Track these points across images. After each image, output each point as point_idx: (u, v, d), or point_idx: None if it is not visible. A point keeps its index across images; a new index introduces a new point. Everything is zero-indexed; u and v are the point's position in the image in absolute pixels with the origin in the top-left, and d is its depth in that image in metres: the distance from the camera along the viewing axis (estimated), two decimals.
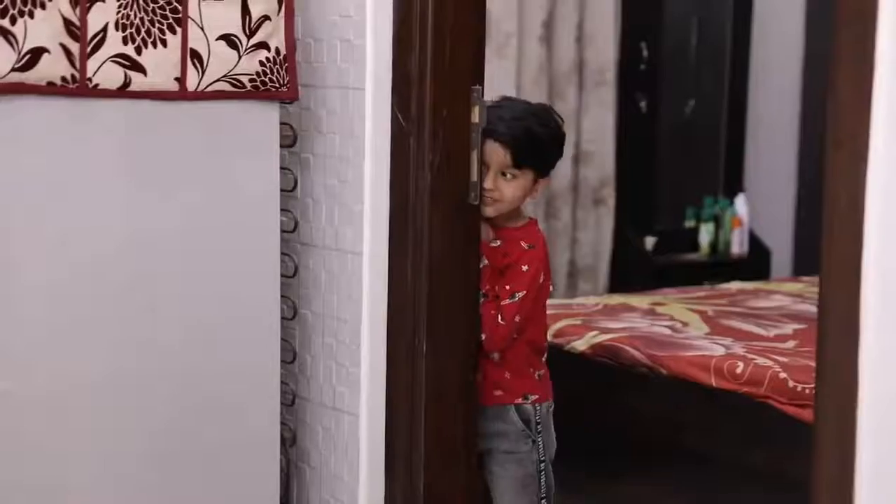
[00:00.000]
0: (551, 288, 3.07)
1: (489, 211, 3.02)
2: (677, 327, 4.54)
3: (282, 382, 3.15)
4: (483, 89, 3.07)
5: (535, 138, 2.99)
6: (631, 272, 6.62)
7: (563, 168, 6.33)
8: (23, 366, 2.75)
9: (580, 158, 6.59)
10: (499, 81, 5.67)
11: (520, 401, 3.07)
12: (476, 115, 3.04)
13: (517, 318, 2.96)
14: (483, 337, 3.00)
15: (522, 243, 3.02)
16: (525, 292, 2.96)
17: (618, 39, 6.62)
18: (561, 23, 6.42)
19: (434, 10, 3.00)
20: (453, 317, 3.05)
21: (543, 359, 3.11)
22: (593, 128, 6.58)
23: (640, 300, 5.11)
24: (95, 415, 2.86)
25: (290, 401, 3.29)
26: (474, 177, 3.02)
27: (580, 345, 4.33)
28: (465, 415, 3.09)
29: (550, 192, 6.45)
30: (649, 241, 6.76)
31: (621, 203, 6.70)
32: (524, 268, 2.97)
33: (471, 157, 3.03)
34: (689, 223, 7.05)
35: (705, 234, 6.96)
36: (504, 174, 2.99)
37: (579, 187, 6.61)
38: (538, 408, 3.07)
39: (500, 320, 2.97)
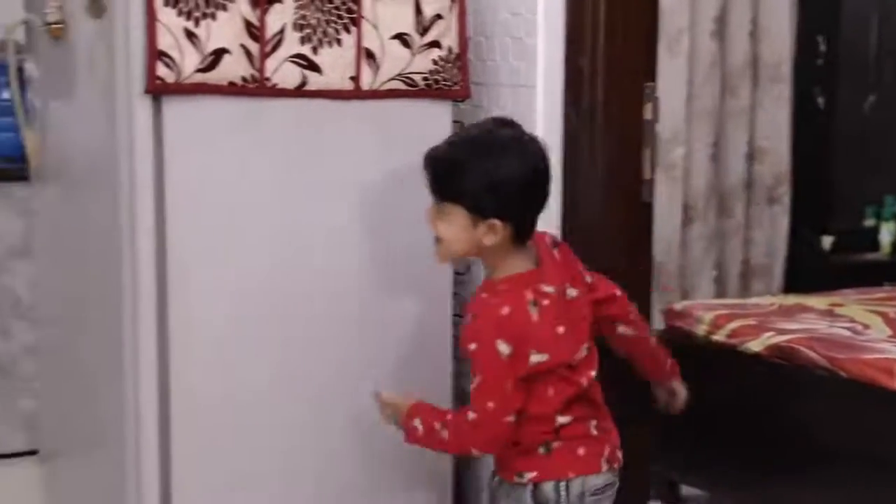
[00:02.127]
0: (543, 357, 2.33)
1: (437, 256, 2.51)
2: (858, 329, 4.40)
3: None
4: (655, 86, 3.03)
5: (442, 168, 2.41)
6: (806, 272, 6.44)
7: (736, 165, 6.20)
8: (205, 364, 2.83)
9: (754, 156, 6.45)
10: (670, 78, 5.58)
11: (515, 479, 2.47)
12: (648, 112, 3.00)
13: (490, 405, 2.32)
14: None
15: (469, 314, 2.40)
16: (481, 376, 2.32)
17: (793, 33, 6.45)
18: (734, 17, 6.29)
19: (606, 6, 2.98)
20: None
21: (557, 427, 2.45)
22: (768, 124, 6.43)
23: (817, 301, 4.96)
24: (276, 411, 2.91)
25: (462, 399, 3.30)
26: (647, 174, 2.99)
27: (755, 346, 4.23)
28: (635, 412, 3.06)
29: (723, 189, 6.33)
30: (826, 241, 6.58)
31: (797, 201, 6.53)
32: (471, 347, 2.34)
33: (643, 154, 3.00)
34: (869, 222, 6.84)
35: (886, 234, 6.74)
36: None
37: (753, 185, 6.47)
38: (562, 487, 2.42)
39: (469, 416, 2.35)
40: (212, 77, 2.74)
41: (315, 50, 2.85)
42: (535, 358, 2.27)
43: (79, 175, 3.13)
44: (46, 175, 3.39)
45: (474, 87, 3.13)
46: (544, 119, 3.03)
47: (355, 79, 2.90)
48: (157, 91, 2.72)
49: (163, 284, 2.77)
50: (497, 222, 2.28)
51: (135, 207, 2.75)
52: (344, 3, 2.87)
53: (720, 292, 5.67)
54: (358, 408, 2.94)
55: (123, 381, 2.78)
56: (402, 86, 2.96)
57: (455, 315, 3.21)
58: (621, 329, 2.60)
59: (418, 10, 2.94)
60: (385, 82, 2.93)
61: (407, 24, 2.94)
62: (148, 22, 2.68)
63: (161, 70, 2.70)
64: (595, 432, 2.46)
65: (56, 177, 3.31)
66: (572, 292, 2.37)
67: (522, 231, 2.32)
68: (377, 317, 2.99)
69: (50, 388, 3.58)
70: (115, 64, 2.74)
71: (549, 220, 3.04)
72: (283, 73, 2.83)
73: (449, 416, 2.40)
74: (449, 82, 3.00)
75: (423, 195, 2.93)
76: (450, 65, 2.99)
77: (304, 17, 2.83)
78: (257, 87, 2.80)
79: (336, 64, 2.87)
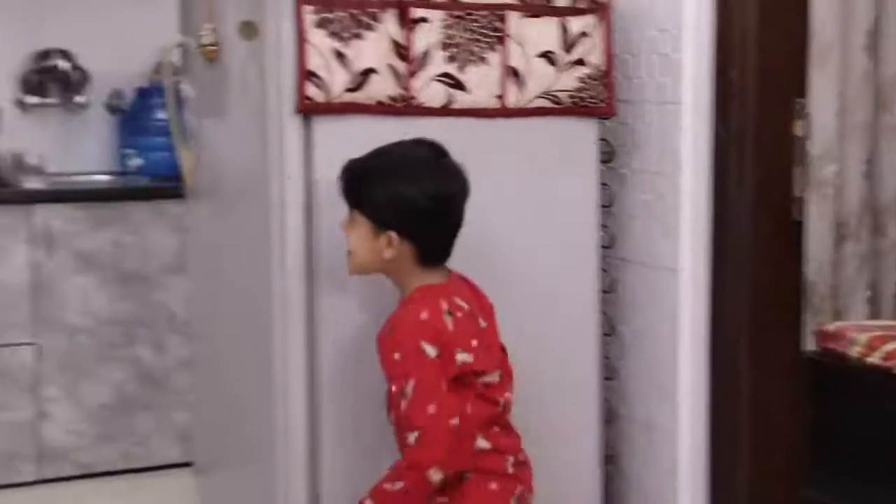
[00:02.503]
0: (468, 357, 2.24)
1: (348, 267, 2.43)
2: None
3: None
4: (806, 102, 2.97)
5: (353, 176, 2.38)
6: None
7: (890, 182, 6.02)
8: (355, 379, 2.86)
9: None
10: (821, 93, 5.45)
11: None
12: (799, 129, 2.95)
13: (431, 409, 2.20)
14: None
15: (387, 326, 2.33)
16: (414, 381, 2.21)
17: None
18: (887, 30, 6.12)
19: (756, 21, 2.93)
20: (776, 335, 2.96)
21: (477, 451, 2.34)
22: None
23: None
24: None
25: (609, 418, 3.28)
26: (797, 192, 2.93)
27: None
28: (787, 435, 2.99)
29: (877, 207, 6.16)
30: None
31: None
32: (395, 356, 2.25)
33: (793, 172, 2.94)
34: None
35: None
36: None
37: None
38: None
39: (409, 440, 2.23)
40: (360, 96, 2.78)
41: (461, 69, 2.87)
42: (461, 357, 2.19)
43: (231, 193, 3.20)
44: (200, 193, 3.48)
45: (620, 103, 3.11)
46: (692, 135, 3.00)
47: (501, 97, 2.91)
48: (307, 111, 2.77)
49: (312, 301, 2.81)
50: (394, 236, 2.24)
51: (285, 224, 2.80)
52: (490, 22, 2.88)
53: (874, 313, 5.52)
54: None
55: (273, 395, 2.83)
56: (547, 104, 2.96)
57: (605, 335, 3.19)
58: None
59: (564, 28, 2.94)
60: (530, 100, 2.94)
61: (552, 42, 2.94)
62: (298, 43, 2.73)
63: (311, 90, 2.75)
64: (511, 469, 2.36)
65: (209, 194, 3.40)
66: (482, 322, 2.32)
67: (427, 253, 2.26)
68: (522, 334, 2.99)
69: (203, 401, 3.67)
70: (267, 84, 2.80)
71: (697, 238, 3.01)
72: (429, 91, 2.85)
73: (388, 471, 2.27)
74: (595, 100, 2.99)
75: (566, 212, 2.93)
76: (595, 82, 2.98)
77: (450, 36, 2.85)
78: (404, 106, 2.84)
79: (482, 82, 2.89)
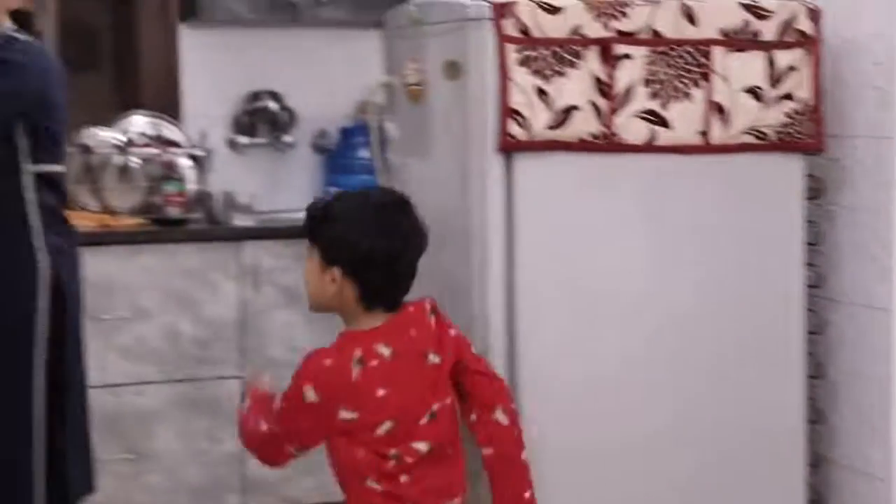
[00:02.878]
0: (352, 416, 2.18)
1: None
2: None
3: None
4: None
5: (314, 210, 2.37)
6: None
7: None
8: (557, 415, 2.85)
9: None
10: None
11: None
12: None
13: (278, 429, 2.26)
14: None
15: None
16: (282, 404, 2.26)
17: None
18: None
19: None
20: None
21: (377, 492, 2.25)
22: None
23: None
24: (637, 457, 2.92)
25: (814, 462, 3.17)
26: None
27: None
28: None
29: None
30: None
31: None
32: (285, 384, 2.30)
33: None
34: None
35: None
36: None
37: None
38: None
39: (263, 427, 2.30)
40: (562, 134, 2.79)
41: (664, 105, 2.84)
42: (345, 415, 2.15)
43: (432, 229, 3.23)
44: None
45: (829, 139, 3.02)
46: None
47: (705, 133, 2.87)
48: (509, 148, 2.79)
49: (513, 337, 2.82)
50: (338, 273, 2.22)
51: (486, 260, 2.82)
52: (694, 58, 2.85)
53: None
54: (702, 465, 2.88)
55: None
56: (752, 140, 2.90)
57: (811, 377, 3.09)
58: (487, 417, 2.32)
59: (770, 63, 2.88)
60: (735, 136, 2.89)
61: (758, 77, 2.88)
62: (501, 81, 2.75)
63: (513, 128, 2.77)
64: None
65: None
66: (434, 358, 2.23)
67: (367, 296, 2.22)
68: (724, 370, 2.93)
69: None
70: (470, 123, 2.83)
71: None
72: (631, 128, 2.83)
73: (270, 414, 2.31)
74: (802, 135, 2.92)
75: (770, 250, 2.85)
76: (803, 117, 2.91)
77: (653, 72, 2.83)
78: (606, 144, 2.82)
79: (685, 118, 2.85)
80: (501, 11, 2.78)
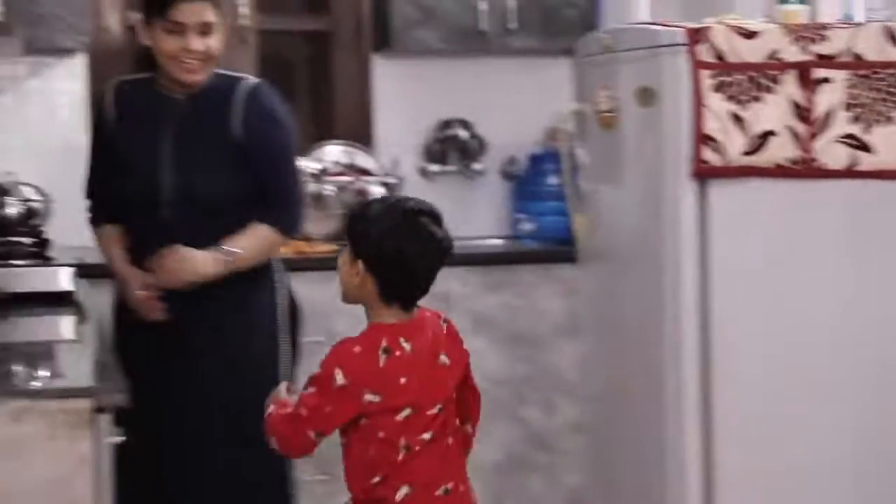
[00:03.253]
0: (376, 398, 2.31)
1: None
2: None
3: None
4: None
5: (353, 210, 2.49)
6: None
7: None
8: (749, 445, 2.80)
9: None
10: None
11: None
12: None
13: (304, 412, 2.34)
14: None
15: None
16: (312, 389, 2.34)
17: None
18: None
19: None
20: None
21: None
22: None
23: None
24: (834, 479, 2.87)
25: None
26: None
27: None
28: None
29: None
30: None
31: None
32: (316, 371, 2.36)
33: None
34: None
35: None
36: None
37: None
38: None
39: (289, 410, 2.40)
40: (757, 160, 2.75)
41: (866, 129, 2.78)
42: (369, 397, 2.31)
43: (624, 256, 3.22)
44: (593, 257, 3.52)
45: None
46: None
47: None
48: (703, 174, 2.77)
49: (706, 365, 2.78)
50: (360, 265, 2.35)
51: (679, 287, 2.80)
52: None
53: None
54: None
55: (665, 460, 2.81)
56: None
57: None
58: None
59: None
60: None
61: None
62: (695, 107, 2.73)
63: (707, 154, 2.74)
64: (400, 498, 2.35)
65: (602, 258, 3.44)
66: (445, 360, 2.40)
67: (386, 292, 2.36)
68: None
69: (596, 464, 3.68)
70: (663, 149, 2.82)
71: None
72: (830, 153, 2.78)
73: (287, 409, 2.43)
74: None
75: None
76: None
77: (854, 96, 2.77)
78: (804, 169, 2.77)
79: (889, 143, 2.78)
80: (696, 37, 2.77)
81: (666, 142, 2.82)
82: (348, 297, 2.43)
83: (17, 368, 2.32)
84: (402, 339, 2.34)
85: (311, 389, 2.35)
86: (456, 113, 4.51)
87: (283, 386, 2.52)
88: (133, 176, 2.73)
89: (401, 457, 2.33)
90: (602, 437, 3.47)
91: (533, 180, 4.43)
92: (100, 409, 2.01)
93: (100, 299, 2.98)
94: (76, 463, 1.98)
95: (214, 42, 2.70)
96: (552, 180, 4.32)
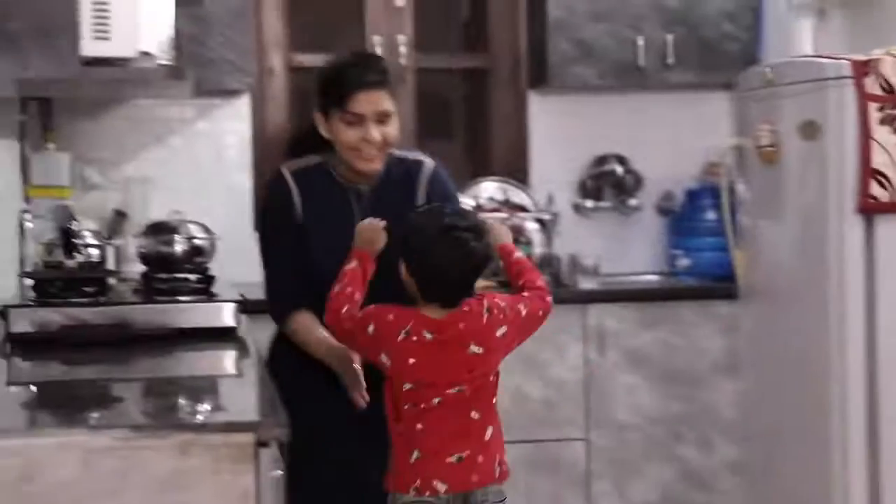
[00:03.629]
0: (387, 362, 2.55)
1: None
2: None
3: None
4: None
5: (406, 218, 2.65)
6: None
7: None
8: None
9: None
10: None
11: None
12: None
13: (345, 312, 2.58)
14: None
15: None
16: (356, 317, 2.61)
17: None
18: None
19: None
20: None
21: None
22: None
23: None
24: None
25: None
26: None
27: None
28: None
29: None
30: None
31: None
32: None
33: None
34: None
35: None
36: None
37: None
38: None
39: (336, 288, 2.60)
40: None
41: None
42: (383, 359, 2.53)
43: (786, 292, 3.16)
44: (753, 293, 3.46)
45: None
46: None
47: None
48: (870, 210, 2.70)
49: (873, 404, 2.71)
50: (403, 265, 2.55)
51: (844, 325, 2.74)
52: None
53: None
54: None
55: (831, 502, 2.73)
56: None
57: None
58: None
59: None
60: None
61: None
62: (862, 141, 2.67)
63: (875, 189, 2.68)
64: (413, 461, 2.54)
65: (762, 294, 3.37)
66: (476, 349, 2.54)
67: (426, 295, 2.53)
68: None
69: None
70: (828, 184, 2.76)
71: None
72: None
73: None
74: None
75: None
76: None
77: None
78: None
79: None
80: (863, 69, 2.71)
81: (830, 176, 2.76)
82: (407, 293, 2.61)
83: (182, 402, 2.38)
84: (425, 331, 2.53)
85: (355, 319, 2.57)
86: (611, 148, 4.49)
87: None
88: (322, 268, 2.66)
89: (406, 408, 2.54)
90: (762, 476, 3.39)
91: (690, 216, 4.38)
92: (263, 443, 2.04)
93: (260, 335, 3.04)
94: (240, 496, 2.01)
95: (392, 129, 2.69)
96: (710, 216, 4.26)
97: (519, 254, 2.81)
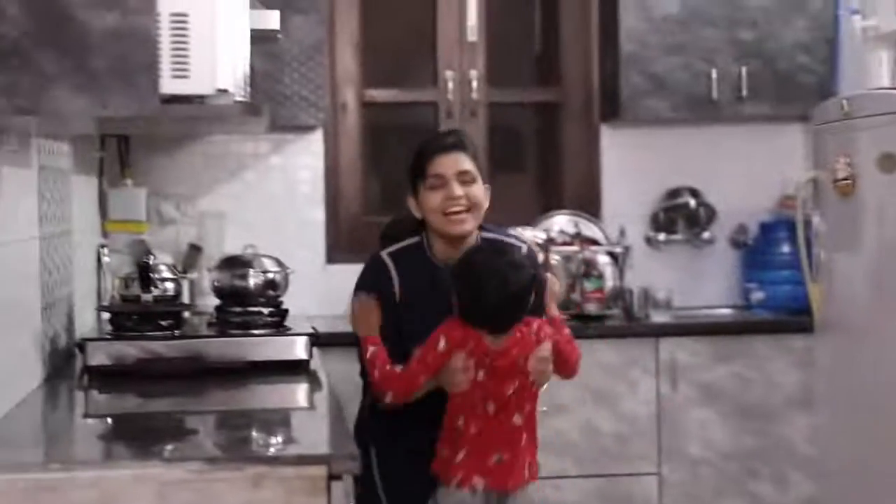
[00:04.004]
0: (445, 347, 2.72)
1: None
2: None
3: None
4: None
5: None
6: None
7: None
8: None
9: None
10: None
11: None
12: None
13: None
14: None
15: None
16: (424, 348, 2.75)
17: None
18: None
19: None
20: None
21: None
22: None
23: None
24: None
25: None
26: None
27: None
28: None
29: None
30: None
31: None
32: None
33: None
34: None
35: None
36: None
37: None
38: None
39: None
40: None
41: None
42: (441, 344, 2.68)
43: (863, 326, 3.12)
44: (828, 326, 3.41)
45: None
46: None
47: None
48: None
49: None
50: (454, 297, 2.70)
51: None
52: None
53: None
54: None
55: None
56: None
57: None
58: None
59: None
60: None
61: None
62: None
63: None
64: (458, 461, 2.71)
65: (838, 328, 3.32)
66: (523, 363, 2.71)
67: (467, 319, 2.68)
68: None
69: None
70: None
71: None
72: None
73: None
74: None
75: None
76: None
77: None
78: None
79: None
80: None
81: None
82: None
83: (255, 435, 2.39)
84: (483, 353, 2.68)
85: (425, 348, 2.69)
86: (684, 181, 4.47)
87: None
88: (413, 341, 2.71)
89: (465, 427, 2.71)
90: None
91: (764, 249, 4.34)
92: (335, 476, 2.05)
93: (332, 367, 3.05)
94: None
95: (476, 190, 2.77)
96: (784, 249, 4.22)
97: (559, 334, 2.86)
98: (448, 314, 2.69)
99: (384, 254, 2.82)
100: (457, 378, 2.67)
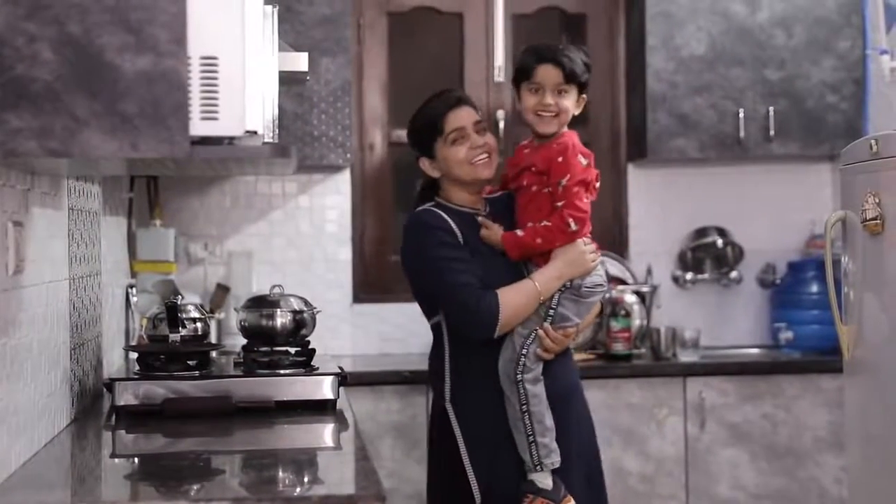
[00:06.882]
0: None
1: None
2: None
3: None
4: None
5: None
6: None
7: None
8: None
9: None
10: None
11: None
12: None
13: None
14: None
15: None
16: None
17: None
18: None
19: None
20: None
21: None
22: None
23: None
24: None
25: None
26: None
27: None
28: None
29: None
30: None
31: None
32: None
33: None
34: None
35: None
36: None
37: None
38: None
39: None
40: None
41: None
42: None
43: (892, 365, 3.09)
44: (858, 366, 3.39)
45: None
46: None
47: None
48: None
49: None
50: None
51: None
52: None
53: None
54: None
55: None
56: None
57: None
58: None
59: None
60: None
61: None
62: None
63: None
64: None
65: (868, 368, 3.30)
66: None
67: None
68: None
69: None
70: None
71: None
72: None
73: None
74: None
75: None
76: None
77: None
78: None
79: None
80: None
81: None
82: None
83: (282, 475, 2.39)
84: None
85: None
86: (711, 220, 4.47)
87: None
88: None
89: None
90: None
91: (792, 288, 4.33)
92: None
93: (359, 407, 3.05)
94: None
95: (491, 138, 2.96)
96: (813, 288, 4.21)
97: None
98: (497, 256, 2.82)
99: (429, 206, 2.91)
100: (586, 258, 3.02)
